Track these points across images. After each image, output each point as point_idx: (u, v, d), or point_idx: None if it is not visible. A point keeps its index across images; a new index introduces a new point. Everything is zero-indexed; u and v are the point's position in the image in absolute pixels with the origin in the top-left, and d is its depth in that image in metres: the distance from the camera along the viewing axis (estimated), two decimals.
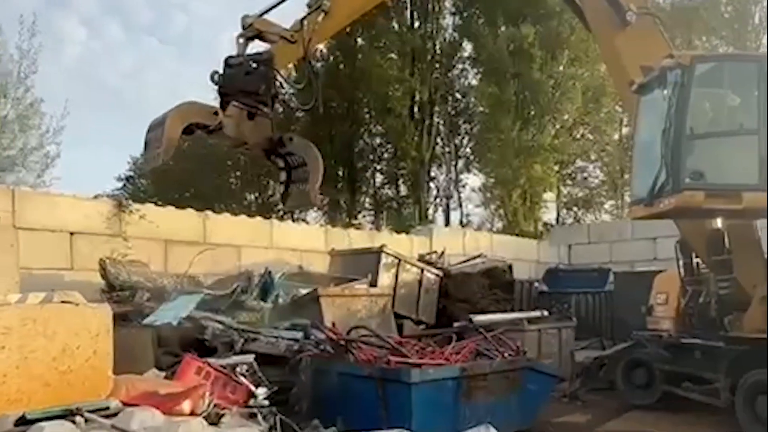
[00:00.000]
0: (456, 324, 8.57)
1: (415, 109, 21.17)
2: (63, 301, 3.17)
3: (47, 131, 16.52)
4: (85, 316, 3.12)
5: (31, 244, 7.23)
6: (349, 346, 5.71)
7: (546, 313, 9.45)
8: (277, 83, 6.10)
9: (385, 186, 23.94)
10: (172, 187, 22.54)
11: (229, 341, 5.65)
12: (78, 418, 2.65)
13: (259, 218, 10.13)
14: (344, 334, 5.93)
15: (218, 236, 9.09)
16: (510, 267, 10.91)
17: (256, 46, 6.19)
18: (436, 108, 21.88)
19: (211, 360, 5.15)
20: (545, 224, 20.96)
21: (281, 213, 18.66)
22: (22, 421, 2.65)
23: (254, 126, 6.15)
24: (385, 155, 23.42)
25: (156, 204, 9.77)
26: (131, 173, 25.56)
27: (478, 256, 11.46)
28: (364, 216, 23.16)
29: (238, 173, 23.93)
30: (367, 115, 22.57)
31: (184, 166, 24.26)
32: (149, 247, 8.19)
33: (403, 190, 22.98)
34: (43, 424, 2.48)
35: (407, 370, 5.25)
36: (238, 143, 6.37)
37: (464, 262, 11.11)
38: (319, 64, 21.86)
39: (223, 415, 4.04)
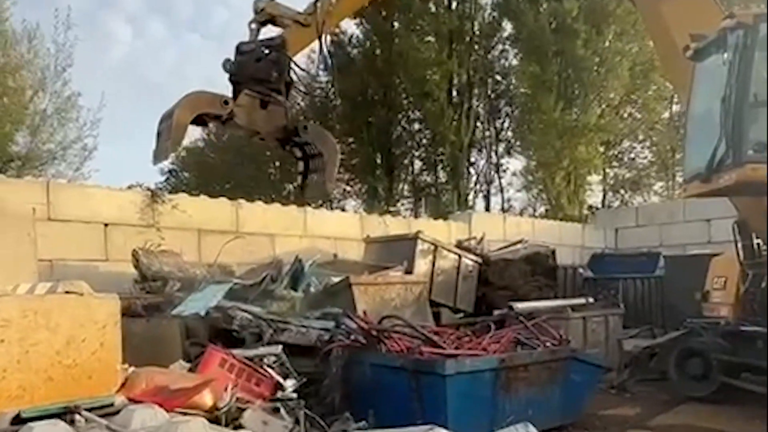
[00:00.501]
0: (496, 312, 8.29)
1: (454, 92, 20.68)
2: (67, 291, 3.02)
3: (85, 124, 16.68)
4: (91, 307, 2.96)
5: (65, 235, 7.27)
6: (381, 336, 5.46)
7: (591, 300, 9.10)
8: (291, 69, 5.89)
9: (424, 172, 23.57)
10: (214, 179, 22.82)
11: (257, 332, 5.47)
12: (77, 417, 2.48)
13: (293, 206, 9.97)
14: (376, 324, 5.69)
15: (251, 225, 8.98)
16: (553, 252, 10.47)
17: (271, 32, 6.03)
18: (475, 91, 21.32)
19: (236, 351, 4.99)
20: (590, 207, 20.17)
21: (320, 202, 18.55)
22: (18, 420, 2.50)
23: (267, 115, 5.94)
24: (423, 141, 23.01)
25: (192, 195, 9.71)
26: (174, 166, 26.00)
27: (519, 241, 11.04)
28: (402, 204, 22.88)
29: (277, 164, 23.98)
30: (405, 101, 22.17)
31: (225, 158, 24.56)
32: (182, 237, 8.14)
33: (442, 176, 22.55)
34: (32, 424, 2.32)
35: (441, 361, 4.97)
36: (250, 133, 6.17)
37: (505, 248, 10.72)
38: (355, 50, 21.79)
39: (244, 409, 3.86)
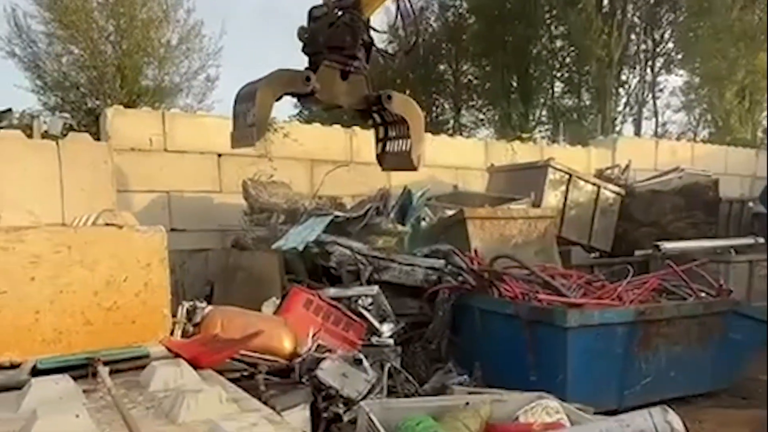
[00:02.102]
0: (638, 253, 7.21)
1: (604, 0, 18.25)
2: (107, 224, 2.72)
3: (207, 54, 16.68)
4: (133, 242, 2.62)
5: (181, 166, 7.30)
6: (492, 278, 4.78)
7: (762, 240, 7.63)
8: (367, 31, 5.29)
9: (565, 95, 21.51)
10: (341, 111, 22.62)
11: (355, 269, 5.03)
12: (101, 368, 2.16)
13: None
14: (487, 263, 5.01)
15: (366, 155, 8.42)
16: (716, 183, 8.85)
17: None
18: None
19: (331, 290, 4.60)
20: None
21: (448, 130, 17.70)
22: (35, 372, 2.24)
23: (349, 86, 5.31)
24: (566, 59, 20.87)
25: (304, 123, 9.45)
26: None
27: (675, 169, 9.50)
28: (539, 131, 21.16)
29: (408, 92, 23.28)
30: (546, 14, 20.07)
31: None
32: (294, 167, 7.88)
33: (586, 98, 20.42)
34: (33, 379, 2.02)
35: (563, 311, 4.20)
36: (331, 107, 5.81)
37: (654, 177, 9.29)
38: None
39: (322, 359, 3.44)
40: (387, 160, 5.84)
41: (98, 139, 6.42)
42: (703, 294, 4.95)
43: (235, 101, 5.49)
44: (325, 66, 5.45)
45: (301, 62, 6.28)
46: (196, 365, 2.29)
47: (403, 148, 5.52)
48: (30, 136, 4.97)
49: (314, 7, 5.67)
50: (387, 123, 5.79)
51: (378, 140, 6.03)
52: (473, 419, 2.81)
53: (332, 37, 5.42)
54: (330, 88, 5.62)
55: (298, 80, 5.48)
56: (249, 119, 5.28)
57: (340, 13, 5.42)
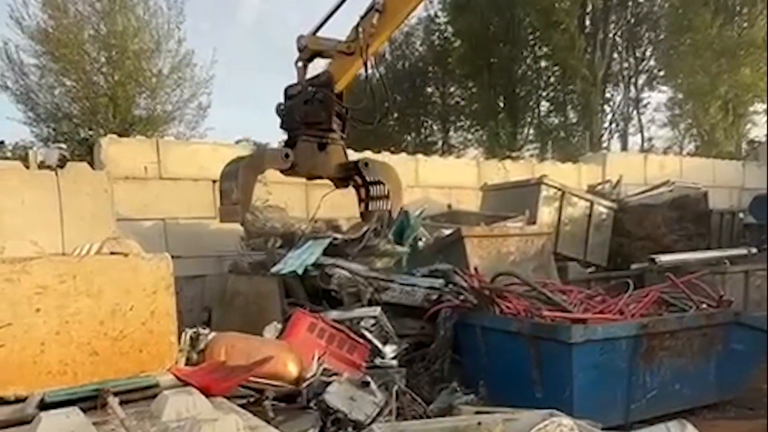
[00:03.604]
0: (634, 266, 7.24)
1: (587, 21, 18.57)
2: (112, 253, 2.69)
3: (198, 82, 16.68)
4: (139, 270, 2.59)
5: (176, 193, 7.28)
6: (494, 296, 4.76)
7: (754, 250, 7.71)
8: (340, 105, 5.91)
9: (551, 114, 21.78)
10: None
11: (355, 291, 5.01)
12: (110, 400, 2.11)
13: (403, 154, 9.38)
14: (488, 281, 5.00)
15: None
16: (705, 195, 8.97)
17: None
18: (612, 17, 18.98)
19: (333, 314, 4.56)
20: (752, 142, 17.35)
21: (437, 150, 17.82)
22: (43, 405, 2.19)
23: (326, 156, 6.02)
24: (551, 79, 21.16)
25: None
26: None
27: (664, 183, 9.60)
28: (527, 149, 21.35)
29: (396, 116, 23.44)
30: (530, 35, 20.38)
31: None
32: (289, 191, 7.88)
33: (572, 116, 20.68)
34: (43, 413, 1.97)
35: (567, 327, 4.18)
36: (312, 177, 6.33)
37: (645, 191, 9.38)
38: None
39: (329, 383, 3.40)
40: (370, 218, 6.22)
41: (93, 169, 6.40)
42: (704, 305, 4.96)
43: (221, 178, 5.89)
44: (302, 141, 5.95)
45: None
46: (207, 393, 2.25)
47: (384, 207, 6.12)
48: (26, 167, 4.95)
49: (289, 86, 6.20)
50: (368, 184, 6.26)
51: (360, 200, 6.52)
52: None
53: (308, 114, 5.98)
54: (309, 160, 6.08)
55: (277, 158, 6.04)
56: (233, 197, 5.62)
57: (314, 90, 5.91)
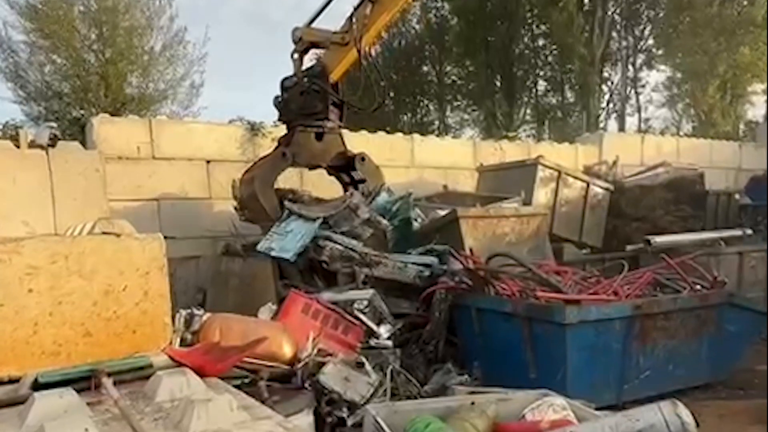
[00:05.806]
0: (629, 247, 7.24)
1: None
2: (104, 232, 2.66)
3: (191, 61, 16.48)
4: (131, 251, 2.57)
5: (170, 173, 7.22)
6: (488, 277, 4.77)
7: (750, 231, 7.74)
8: (337, 93, 6.01)
9: (549, 93, 21.65)
10: None
11: (350, 271, 5.00)
12: (104, 380, 2.11)
13: (399, 134, 9.31)
14: (483, 262, 5.00)
15: None
16: (701, 176, 8.96)
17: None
18: None
19: (325, 295, 4.56)
20: (749, 122, 17.29)
21: (434, 131, 17.73)
22: (36, 386, 2.19)
23: (324, 145, 6.15)
24: (549, 58, 20.99)
25: None
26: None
27: (661, 164, 9.58)
28: (524, 129, 21.25)
29: (392, 95, 23.26)
30: (528, 13, 20.16)
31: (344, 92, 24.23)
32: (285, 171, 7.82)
33: (570, 96, 20.56)
34: (37, 393, 1.96)
35: (561, 308, 4.20)
36: (311, 167, 6.45)
37: (642, 172, 9.36)
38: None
39: (324, 364, 3.41)
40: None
41: (85, 148, 6.33)
42: (698, 287, 4.98)
43: (240, 183, 6.02)
44: (299, 131, 6.03)
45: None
46: (201, 374, 2.25)
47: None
48: (17, 146, 4.89)
49: (285, 78, 6.24)
50: (356, 182, 6.30)
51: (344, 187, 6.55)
52: (481, 419, 2.80)
53: (304, 105, 6.05)
54: (307, 150, 6.09)
55: (278, 161, 5.97)
56: (258, 210, 5.79)
57: (309, 82, 5.96)
